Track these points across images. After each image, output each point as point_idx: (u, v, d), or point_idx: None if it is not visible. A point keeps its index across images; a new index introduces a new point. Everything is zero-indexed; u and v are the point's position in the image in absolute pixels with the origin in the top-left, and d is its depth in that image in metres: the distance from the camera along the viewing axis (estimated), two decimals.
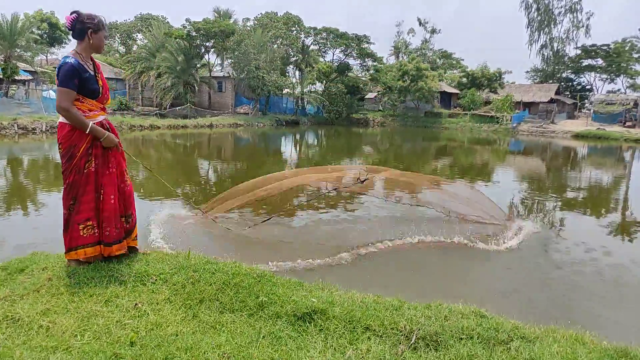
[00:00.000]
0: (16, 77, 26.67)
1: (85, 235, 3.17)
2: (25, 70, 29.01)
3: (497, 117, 37.46)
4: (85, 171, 3.14)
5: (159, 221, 6.49)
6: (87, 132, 3.05)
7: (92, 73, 3.15)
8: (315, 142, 27.76)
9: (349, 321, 2.65)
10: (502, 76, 42.91)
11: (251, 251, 5.58)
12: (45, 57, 44.55)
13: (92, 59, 3.22)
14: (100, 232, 3.22)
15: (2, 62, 25.42)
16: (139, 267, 3.20)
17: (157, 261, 3.35)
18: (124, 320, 2.54)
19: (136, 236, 3.55)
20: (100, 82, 3.20)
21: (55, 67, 40.47)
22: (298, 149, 23.22)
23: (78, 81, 3.01)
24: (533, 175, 15.32)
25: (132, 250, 3.51)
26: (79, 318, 2.53)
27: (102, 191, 3.20)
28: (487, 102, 41.08)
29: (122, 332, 2.41)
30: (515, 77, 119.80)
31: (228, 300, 2.81)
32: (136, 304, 2.72)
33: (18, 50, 26.30)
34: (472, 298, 3.52)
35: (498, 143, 29.46)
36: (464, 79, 44.25)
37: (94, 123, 3.13)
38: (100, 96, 3.20)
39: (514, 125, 36.22)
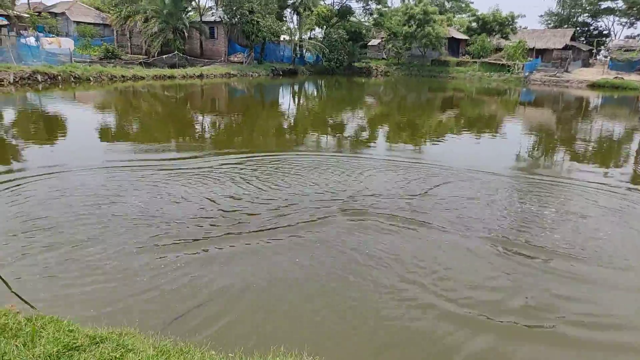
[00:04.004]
0: None
1: None
2: (0, 15, 26.64)
3: (509, 66, 35.16)
4: None
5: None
6: None
7: None
8: (315, 94, 26.02)
9: None
10: (515, 20, 39.98)
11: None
12: (27, 1, 41.53)
13: None
14: None
15: None
16: None
17: None
18: None
19: None
20: None
21: (38, 12, 37.76)
22: (297, 101, 21.61)
23: None
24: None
25: None
26: None
27: None
28: (498, 49, 38.56)
29: None
30: (528, 21, 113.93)
31: None
32: None
33: None
34: None
35: (509, 93, 27.64)
36: (474, 24, 41.38)
37: None
38: None
39: (526, 74, 34.04)
